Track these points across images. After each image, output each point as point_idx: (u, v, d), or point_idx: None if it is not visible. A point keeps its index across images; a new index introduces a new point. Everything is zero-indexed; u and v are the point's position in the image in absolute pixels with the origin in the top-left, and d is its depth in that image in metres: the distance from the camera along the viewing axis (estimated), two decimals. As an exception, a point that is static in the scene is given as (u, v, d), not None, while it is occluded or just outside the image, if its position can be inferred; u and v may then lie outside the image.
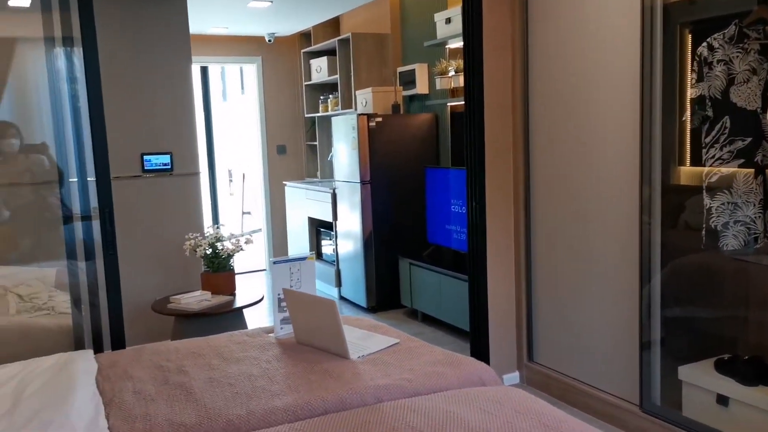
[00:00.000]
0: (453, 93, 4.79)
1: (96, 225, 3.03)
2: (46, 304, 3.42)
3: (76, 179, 3.26)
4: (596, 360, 3.13)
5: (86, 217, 3.06)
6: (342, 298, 5.58)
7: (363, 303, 5.20)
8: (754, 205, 2.56)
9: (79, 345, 3.02)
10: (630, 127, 2.85)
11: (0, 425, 1.77)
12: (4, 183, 3.99)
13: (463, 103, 4.53)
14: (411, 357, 2.38)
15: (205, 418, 1.87)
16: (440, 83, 4.78)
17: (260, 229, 7.14)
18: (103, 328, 2.88)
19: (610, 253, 3.01)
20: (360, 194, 5.05)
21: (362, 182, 5.03)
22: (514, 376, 3.56)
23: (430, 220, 4.90)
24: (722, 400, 2.68)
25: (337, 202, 5.46)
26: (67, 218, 3.23)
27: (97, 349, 2.87)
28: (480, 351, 3.50)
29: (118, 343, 2.79)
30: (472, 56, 3.35)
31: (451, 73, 4.67)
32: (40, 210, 4.03)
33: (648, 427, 2.84)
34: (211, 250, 3.82)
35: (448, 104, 4.94)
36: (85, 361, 2.29)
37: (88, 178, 3.08)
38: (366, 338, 2.63)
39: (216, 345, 2.55)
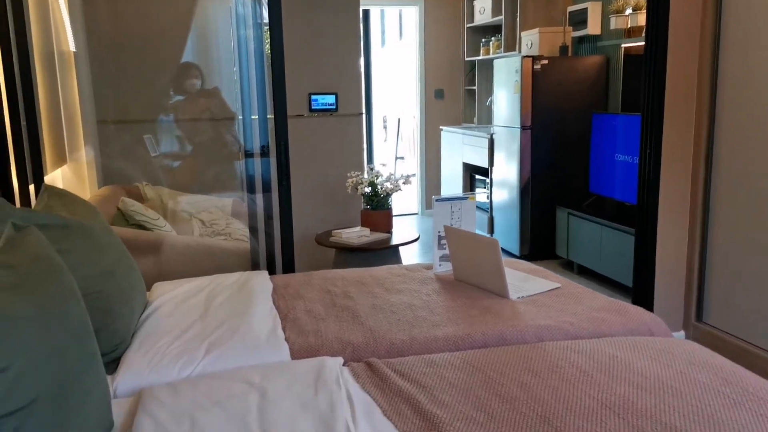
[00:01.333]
0: (629, 33, 4.46)
1: (268, 161, 3.24)
2: (224, 230, 3.75)
3: (254, 117, 3.48)
4: (778, 325, 2.86)
5: (263, 153, 3.27)
6: (494, 245, 5.54)
7: (516, 251, 5.14)
8: None
9: (254, 267, 3.29)
10: None
11: (195, 327, 1.99)
12: (188, 119, 4.37)
13: (640, 44, 4.22)
14: (573, 302, 2.33)
15: (371, 339, 1.97)
16: (615, 23, 4.47)
17: (414, 174, 7.24)
18: (275, 254, 3.10)
19: (806, 208, 2.70)
20: (519, 140, 4.93)
21: (522, 128, 4.89)
22: (679, 336, 3.36)
23: (593, 169, 4.68)
24: None
25: (494, 147, 5.38)
26: (247, 153, 3.48)
27: (270, 271, 3.11)
28: (643, 306, 3.34)
29: (289, 267, 3.00)
30: (656, -11, 3.08)
31: (629, 11, 4.34)
32: (218, 145, 4.39)
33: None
34: (370, 188, 3.94)
35: (622, 45, 4.61)
36: (262, 280, 2.48)
37: (266, 117, 3.28)
38: (525, 280, 2.60)
39: (377, 276, 2.66)
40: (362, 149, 4.32)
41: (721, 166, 3.15)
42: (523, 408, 1.51)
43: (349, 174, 4.04)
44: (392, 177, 4.05)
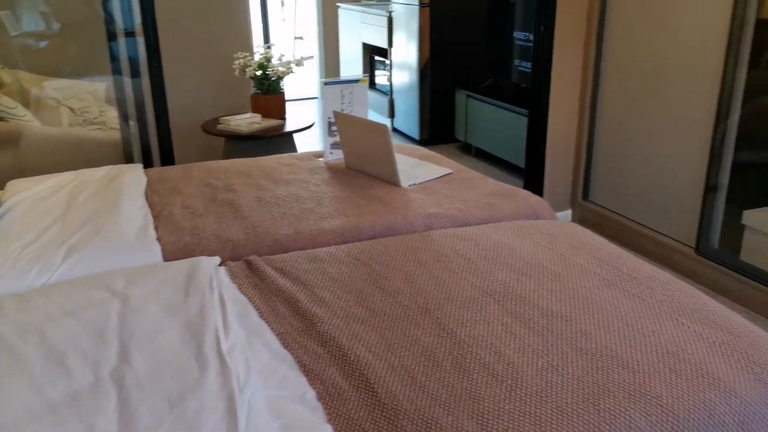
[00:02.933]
0: None
1: (142, 41, 2.90)
2: (97, 119, 3.42)
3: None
4: (655, 201, 3.00)
5: (131, 33, 2.92)
6: (394, 129, 5.45)
7: (416, 135, 5.08)
8: None
9: (129, 160, 3.04)
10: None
11: (54, 229, 1.80)
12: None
13: None
14: (464, 187, 2.30)
15: (253, 235, 1.86)
16: None
17: (312, 56, 6.89)
18: (153, 145, 2.86)
19: (687, 90, 2.75)
20: (418, 19, 4.72)
21: (421, 5, 4.67)
22: (566, 215, 3.47)
23: (491, 50, 4.58)
24: (788, 248, 2.56)
25: (393, 27, 5.14)
26: (114, 33, 3.11)
27: (147, 164, 2.88)
28: (533, 187, 3.40)
29: (168, 159, 2.78)
30: None
31: None
32: (89, 23, 3.91)
33: (701, 269, 2.76)
34: (261, 71, 3.68)
35: None
36: (135, 173, 2.28)
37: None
38: (418, 167, 2.54)
39: (265, 166, 2.51)
40: (249, 27, 3.98)
41: (610, 46, 3.13)
42: (406, 300, 1.48)
43: (236, 55, 3.74)
44: (282, 57, 3.79)
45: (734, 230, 2.76)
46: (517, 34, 4.26)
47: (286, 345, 1.31)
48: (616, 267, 1.64)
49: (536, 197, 2.23)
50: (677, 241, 2.89)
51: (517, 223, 1.97)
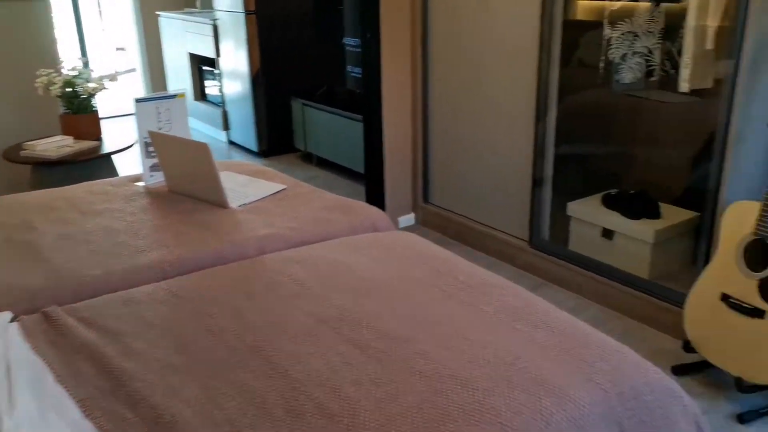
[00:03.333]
0: None
1: None
2: None
3: None
4: (490, 199, 3.09)
5: None
6: (231, 142, 5.22)
7: (254, 147, 4.89)
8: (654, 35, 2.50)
9: None
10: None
11: None
12: None
13: None
14: (298, 204, 2.19)
15: (54, 280, 1.62)
16: None
17: (134, 69, 6.43)
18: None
19: (510, 88, 2.85)
20: (245, 26, 4.53)
21: (246, 12, 4.49)
22: (409, 218, 3.48)
23: (324, 56, 4.52)
24: (607, 233, 2.73)
25: (220, 35, 4.91)
26: None
27: (-72, 204, 2.46)
28: (375, 194, 3.37)
29: (-47, 197, 2.40)
30: None
31: None
32: None
33: (536, 261, 2.88)
34: (70, 88, 3.32)
35: None
36: None
37: None
38: (249, 185, 2.39)
39: (72, 197, 2.23)
40: (53, 41, 3.59)
41: (435, 48, 3.18)
42: (233, 340, 1.34)
43: (38, 72, 3.34)
44: (93, 73, 3.45)
45: (561, 222, 2.91)
46: (346, 39, 4.23)
47: (87, 413, 1.12)
48: (452, 276, 1.62)
49: (374, 208, 2.18)
50: (513, 236, 2.99)
51: (354, 238, 1.90)
